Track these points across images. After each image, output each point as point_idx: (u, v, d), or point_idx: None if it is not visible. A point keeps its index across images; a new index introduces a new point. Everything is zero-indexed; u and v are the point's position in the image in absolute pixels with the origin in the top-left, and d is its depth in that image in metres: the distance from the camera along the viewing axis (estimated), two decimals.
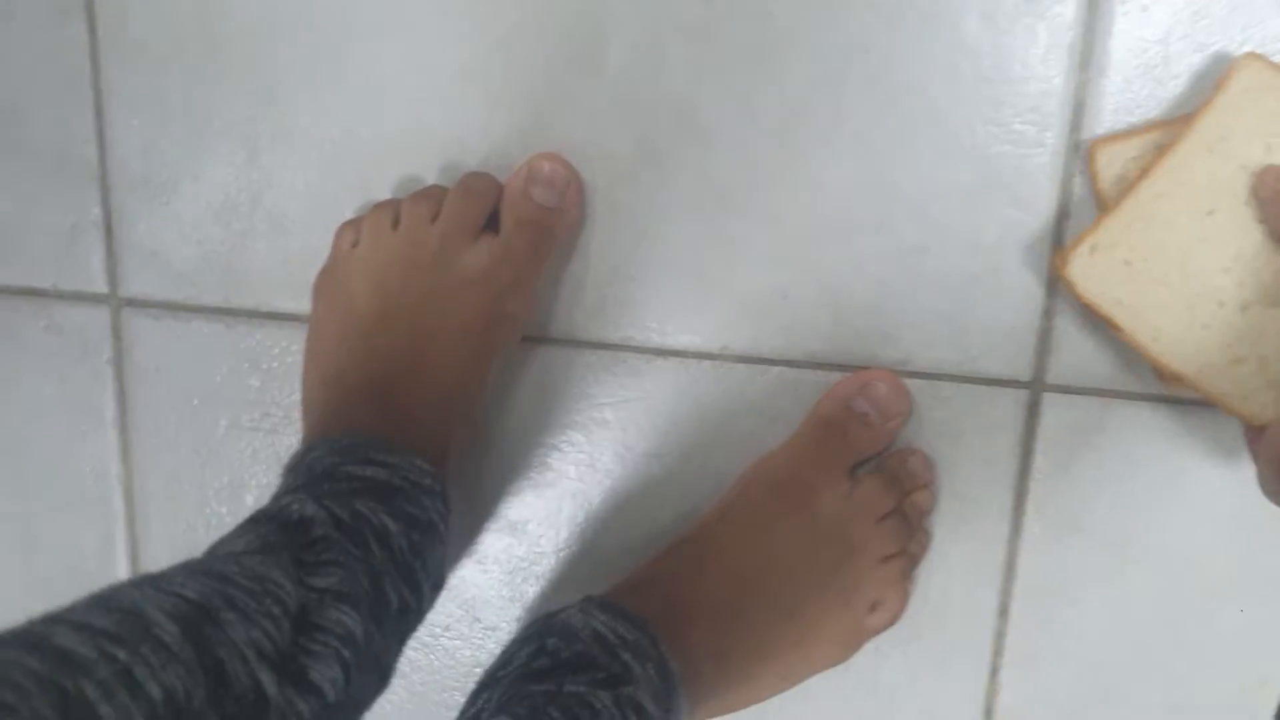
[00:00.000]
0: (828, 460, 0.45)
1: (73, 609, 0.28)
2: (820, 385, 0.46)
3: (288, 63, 0.47)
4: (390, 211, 0.45)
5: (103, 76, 0.49)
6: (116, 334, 0.52)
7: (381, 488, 0.40)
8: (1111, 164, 0.41)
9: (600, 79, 0.44)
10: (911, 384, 0.45)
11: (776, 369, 0.46)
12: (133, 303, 0.51)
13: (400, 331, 0.43)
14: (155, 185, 0.49)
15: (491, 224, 0.45)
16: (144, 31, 0.48)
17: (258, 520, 0.37)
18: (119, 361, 0.52)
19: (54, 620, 0.27)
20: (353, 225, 0.46)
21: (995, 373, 0.45)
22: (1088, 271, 0.39)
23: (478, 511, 0.50)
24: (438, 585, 0.42)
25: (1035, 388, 0.45)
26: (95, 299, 0.51)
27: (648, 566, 0.46)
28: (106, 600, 0.29)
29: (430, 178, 0.47)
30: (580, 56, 0.44)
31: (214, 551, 0.36)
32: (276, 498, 0.40)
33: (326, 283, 0.46)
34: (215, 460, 0.52)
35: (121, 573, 0.54)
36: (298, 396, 0.50)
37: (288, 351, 0.50)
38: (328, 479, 0.39)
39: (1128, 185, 0.39)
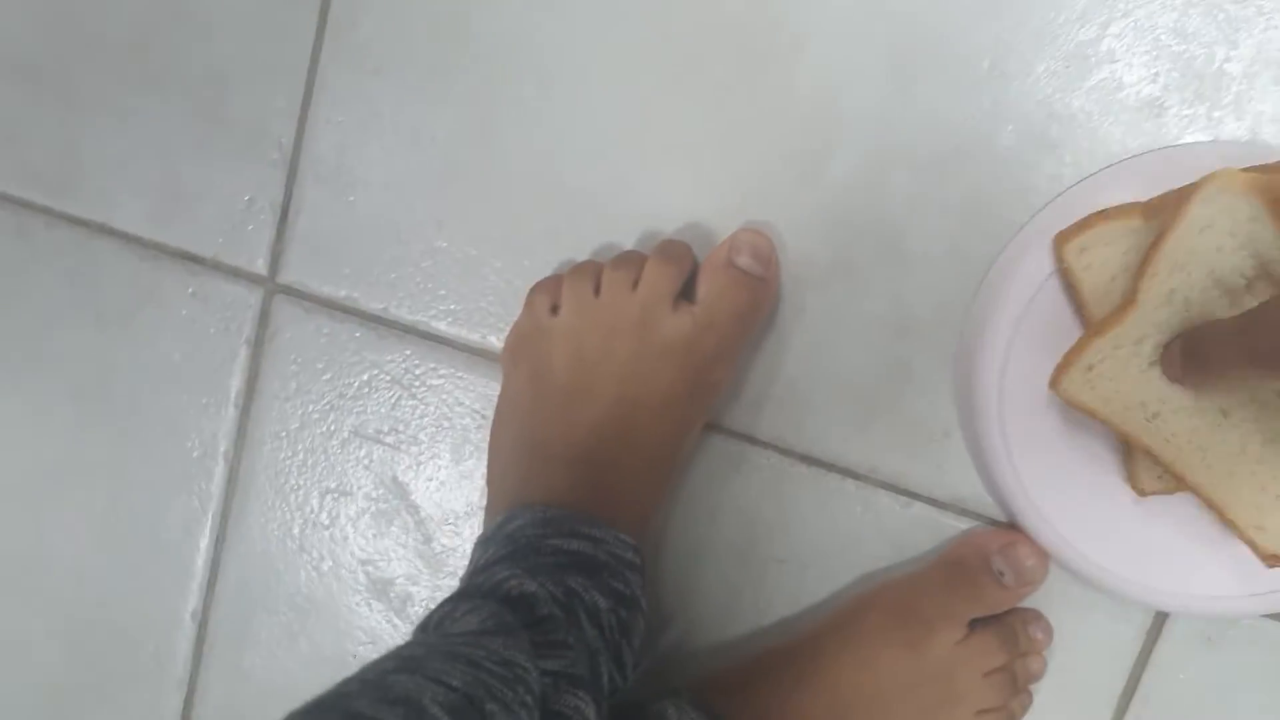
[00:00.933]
0: (951, 606, 0.45)
1: (349, 694, 0.28)
2: (960, 532, 0.46)
3: (511, 99, 0.47)
4: (590, 277, 0.44)
5: (319, 66, 0.49)
6: (263, 317, 0.51)
7: (588, 563, 0.39)
8: (1083, 255, 0.39)
9: (814, 186, 0.45)
10: None
11: (919, 504, 0.46)
12: (288, 290, 0.51)
13: (603, 402, 0.42)
14: (343, 183, 0.49)
15: (684, 295, 0.44)
16: (372, 34, 0.48)
17: (475, 595, 0.36)
18: (258, 344, 0.51)
19: (353, 715, 0.27)
20: (548, 289, 0.45)
21: None
22: (1082, 390, 0.39)
23: None
24: (639, 664, 0.41)
25: None
26: (251, 278, 0.51)
27: (746, 668, 0.46)
28: (385, 690, 0.28)
29: (623, 241, 0.47)
30: (801, 161, 0.45)
31: (442, 628, 0.35)
32: (483, 569, 0.39)
33: (525, 349, 0.45)
34: (329, 463, 0.52)
35: (201, 553, 0.53)
36: (429, 419, 0.50)
37: (432, 374, 0.50)
38: (534, 552, 0.38)
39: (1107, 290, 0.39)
